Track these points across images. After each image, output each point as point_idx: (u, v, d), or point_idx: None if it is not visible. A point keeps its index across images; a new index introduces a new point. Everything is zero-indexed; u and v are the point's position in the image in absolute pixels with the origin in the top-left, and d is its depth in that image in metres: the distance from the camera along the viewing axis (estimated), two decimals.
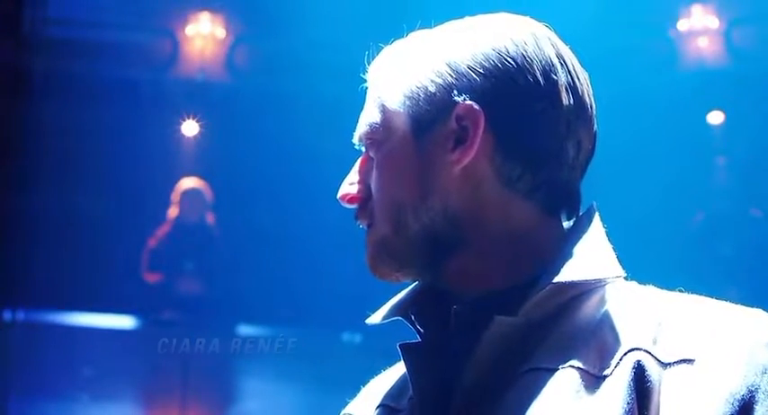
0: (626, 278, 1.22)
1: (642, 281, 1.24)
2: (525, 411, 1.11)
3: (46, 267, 5.61)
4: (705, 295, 1.20)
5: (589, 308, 1.18)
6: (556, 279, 1.18)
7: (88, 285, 5.73)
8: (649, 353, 1.10)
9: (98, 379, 5.82)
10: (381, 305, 1.35)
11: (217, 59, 6.47)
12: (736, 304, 1.18)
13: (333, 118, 5.89)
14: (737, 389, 1.06)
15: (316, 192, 5.86)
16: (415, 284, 1.34)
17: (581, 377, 1.11)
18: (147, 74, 6.35)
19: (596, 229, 1.25)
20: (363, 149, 1.32)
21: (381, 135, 1.27)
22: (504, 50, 1.23)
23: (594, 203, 1.29)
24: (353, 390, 1.42)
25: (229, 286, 6.02)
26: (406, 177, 1.24)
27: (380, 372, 1.42)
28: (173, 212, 6.16)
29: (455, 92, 1.22)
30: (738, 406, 1.05)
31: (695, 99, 6.02)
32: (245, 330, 6.10)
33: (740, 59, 6.23)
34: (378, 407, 1.32)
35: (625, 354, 1.11)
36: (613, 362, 1.11)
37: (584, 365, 1.12)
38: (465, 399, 1.16)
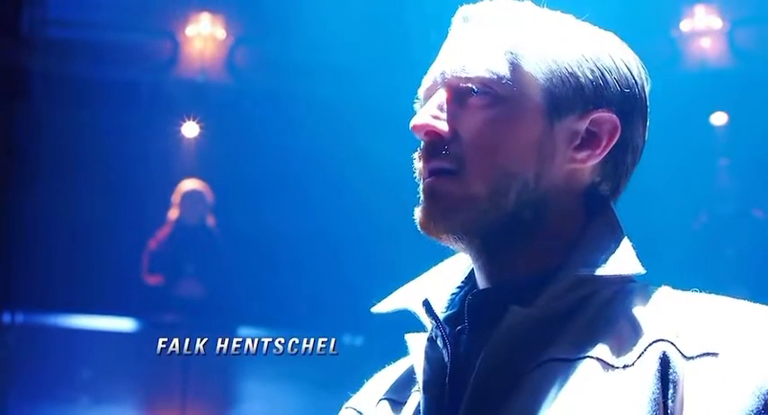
0: (644, 277, 1.22)
1: (643, 275, 1.23)
2: (544, 401, 1.10)
3: (45, 269, 5.59)
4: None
5: (607, 303, 1.18)
6: (575, 273, 1.18)
7: (88, 287, 5.72)
8: (674, 345, 1.10)
9: (97, 381, 5.81)
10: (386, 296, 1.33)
11: (217, 61, 6.46)
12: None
13: (333, 119, 5.92)
14: (763, 383, 1.05)
15: (316, 194, 5.89)
16: (422, 275, 1.33)
17: (600, 368, 1.10)
18: (148, 75, 6.34)
19: (616, 225, 1.25)
20: (446, 87, 1.24)
21: (507, 91, 1.21)
22: (638, 76, 1.28)
23: (612, 200, 1.29)
24: (354, 392, 1.40)
25: (229, 288, 6.01)
26: (527, 151, 1.21)
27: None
28: (173, 214, 6.14)
29: (603, 97, 1.24)
30: (764, 399, 1.04)
31: (698, 100, 6.00)
32: (245, 331, 6.08)
33: (743, 60, 6.22)
34: (380, 400, 1.31)
35: (650, 345, 1.11)
36: (635, 353, 1.10)
37: (602, 356, 1.11)
38: (479, 389, 1.14)
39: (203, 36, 6.42)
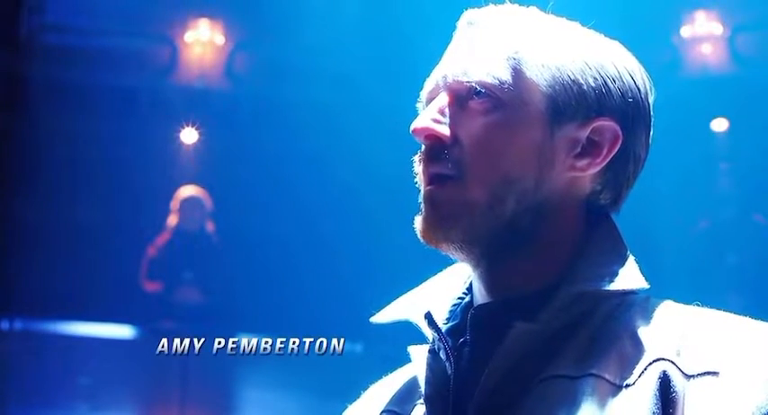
0: (646, 291, 1.22)
1: (646, 289, 1.22)
2: None
3: (44, 275, 5.58)
4: (709, 303, 1.20)
5: (609, 317, 1.18)
6: (576, 288, 1.17)
7: (86, 293, 5.71)
8: (674, 364, 1.10)
9: (96, 388, 5.80)
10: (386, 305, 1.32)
11: (216, 67, 6.46)
12: (742, 312, 1.18)
13: (332, 125, 5.91)
14: (763, 403, 1.05)
15: (315, 200, 5.88)
16: (422, 284, 1.32)
17: (602, 386, 1.10)
18: (146, 81, 6.34)
19: (618, 237, 1.25)
20: (448, 91, 1.24)
21: (509, 96, 1.20)
22: (642, 85, 1.27)
23: (611, 213, 1.29)
24: (353, 397, 1.39)
25: (229, 295, 6.00)
26: (527, 157, 1.20)
27: (381, 378, 1.39)
28: (172, 220, 6.13)
29: (605, 105, 1.23)
30: None
31: (699, 106, 6.00)
32: (244, 338, 6.05)
33: (744, 66, 6.21)
34: (382, 413, 1.30)
35: (650, 364, 1.11)
36: (636, 372, 1.10)
37: (604, 374, 1.11)
38: (482, 405, 1.14)
39: (202, 42, 6.41)
